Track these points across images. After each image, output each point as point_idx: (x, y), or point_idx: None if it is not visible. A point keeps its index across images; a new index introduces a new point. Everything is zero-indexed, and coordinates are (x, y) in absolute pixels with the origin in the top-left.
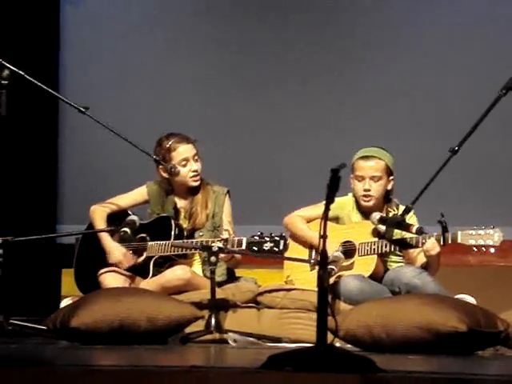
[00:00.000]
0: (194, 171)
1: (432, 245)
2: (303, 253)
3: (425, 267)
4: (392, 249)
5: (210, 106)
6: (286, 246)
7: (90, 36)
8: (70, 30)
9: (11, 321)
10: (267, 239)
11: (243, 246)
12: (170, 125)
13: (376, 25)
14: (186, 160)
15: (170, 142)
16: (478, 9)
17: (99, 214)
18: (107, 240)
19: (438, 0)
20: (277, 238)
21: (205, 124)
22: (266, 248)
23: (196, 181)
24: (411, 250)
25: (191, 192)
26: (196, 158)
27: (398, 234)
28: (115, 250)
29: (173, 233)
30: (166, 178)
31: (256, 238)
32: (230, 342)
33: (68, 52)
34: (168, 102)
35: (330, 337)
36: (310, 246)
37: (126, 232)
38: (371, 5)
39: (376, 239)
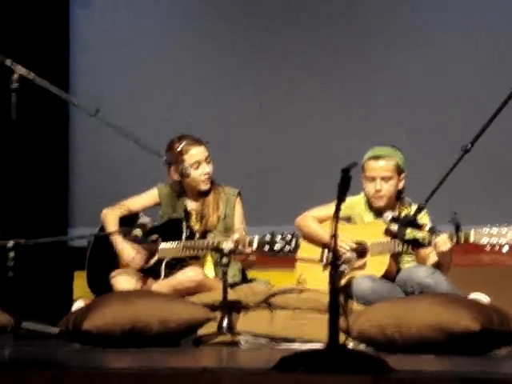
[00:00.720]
0: (206, 174)
1: (443, 240)
2: (316, 253)
3: (436, 266)
4: (404, 248)
5: (221, 107)
6: (297, 246)
7: (100, 38)
8: (79, 32)
9: (23, 324)
10: (278, 239)
11: (254, 246)
12: (182, 126)
13: (390, 28)
14: (198, 163)
15: (181, 145)
16: (483, 7)
17: (111, 217)
18: (119, 241)
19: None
20: (288, 238)
21: (216, 125)
22: (278, 248)
23: (207, 184)
24: (423, 250)
25: (202, 194)
26: (208, 160)
27: (410, 233)
28: (127, 250)
29: (184, 235)
30: (178, 180)
31: (267, 237)
32: (242, 343)
33: (78, 54)
34: (179, 103)
35: (342, 337)
36: (323, 246)
37: (137, 234)
38: (377, 5)
39: (388, 239)
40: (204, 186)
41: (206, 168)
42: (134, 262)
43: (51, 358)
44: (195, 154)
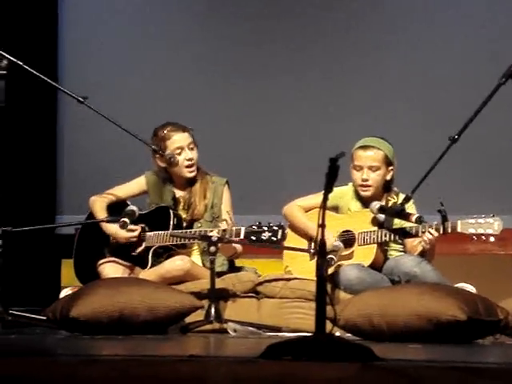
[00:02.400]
0: (188, 160)
1: (431, 239)
2: (303, 242)
3: (422, 255)
4: (391, 238)
5: (210, 97)
6: (284, 236)
7: (89, 27)
8: (68, 22)
9: (11, 311)
10: (265, 229)
11: (241, 236)
12: (170, 115)
13: (376, 17)
14: (180, 148)
15: (165, 131)
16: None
17: (99, 205)
18: (109, 226)
19: None
20: (275, 228)
21: (205, 114)
22: (265, 237)
23: (191, 171)
24: (411, 239)
25: (190, 183)
26: (191, 146)
27: (397, 223)
28: (119, 230)
29: (171, 223)
30: (163, 167)
31: (254, 227)
32: (229, 331)
33: (67, 43)
34: (167, 92)
35: (329, 326)
36: (309, 238)
37: (125, 222)
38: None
39: (376, 228)
40: (188, 174)
41: (189, 154)
42: (132, 237)
43: (38, 346)
44: (177, 139)
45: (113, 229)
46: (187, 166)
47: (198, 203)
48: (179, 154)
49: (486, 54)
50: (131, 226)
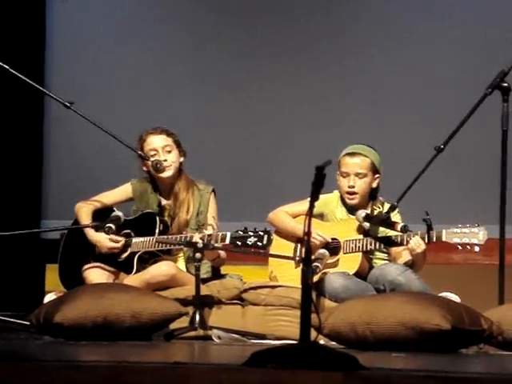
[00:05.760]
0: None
1: (416, 243)
2: (288, 249)
3: (410, 265)
4: (377, 246)
5: (197, 103)
6: (269, 241)
7: (77, 30)
8: (56, 24)
9: None
10: (251, 234)
11: (227, 241)
12: (158, 121)
13: (368, 24)
14: (155, 150)
15: (143, 134)
16: (468, 10)
17: (85, 212)
18: (93, 233)
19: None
20: (261, 233)
21: (192, 120)
22: (250, 243)
23: (167, 170)
24: (396, 248)
25: (174, 190)
26: (168, 149)
27: (382, 231)
28: (103, 240)
29: (157, 229)
30: (148, 173)
31: (240, 232)
32: (214, 338)
33: (54, 47)
34: (155, 98)
35: (314, 334)
36: (297, 240)
37: (110, 228)
38: (363, 3)
39: (361, 237)
40: (162, 174)
41: (162, 156)
42: (115, 248)
43: (21, 351)
44: (152, 141)
45: (96, 237)
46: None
47: (181, 217)
48: (153, 155)
49: (474, 64)
50: (114, 237)
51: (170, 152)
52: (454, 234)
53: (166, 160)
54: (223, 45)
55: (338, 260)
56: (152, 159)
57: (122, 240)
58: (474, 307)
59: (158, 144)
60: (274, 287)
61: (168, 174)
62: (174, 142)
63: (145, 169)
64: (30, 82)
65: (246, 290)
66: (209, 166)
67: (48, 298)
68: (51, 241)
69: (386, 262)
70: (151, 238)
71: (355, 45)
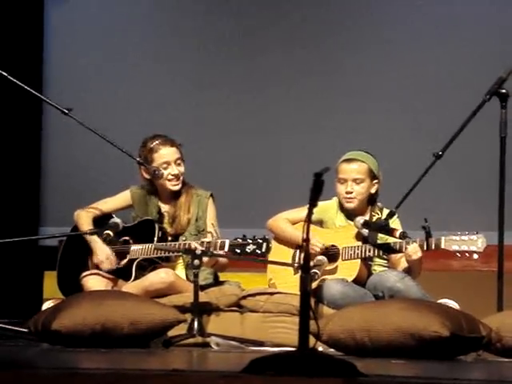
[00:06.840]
0: (173, 175)
1: (413, 249)
2: (287, 256)
3: (407, 271)
4: (375, 253)
5: (195, 108)
6: (268, 249)
7: (75, 36)
8: (54, 30)
9: None
10: (250, 241)
11: (226, 249)
12: (156, 127)
13: (367, 31)
14: (167, 163)
15: (153, 144)
16: (468, 16)
17: (84, 219)
18: (95, 241)
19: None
20: (260, 241)
21: (191, 126)
22: (249, 250)
23: (174, 185)
24: (394, 255)
25: (174, 196)
26: (178, 162)
27: (381, 238)
28: (100, 252)
29: (156, 237)
30: (148, 179)
31: (239, 240)
32: (212, 345)
33: (52, 53)
34: (154, 103)
35: (312, 341)
36: (296, 247)
37: (108, 234)
38: (360, 5)
39: (360, 243)
40: (171, 187)
41: (175, 170)
42: (107, 262)
43: (20, 358)
44: (165, 154)
45: (95, 246)
46: (170, 180)
47: (182, 217)
48: (165, 168)
49: (473, 70)
50: (114, 260)
51: (180, 165)
52: (452, 242)
53: (176, 175)
54: (225, 51)
55: (336, 267)
56: (154, 167)
57: (120, 265)
58: (473, 314)
59: (171, 158)
60: (272, 294)
61: (177, 187)
62: (181, 153)
63: (144, 174)
64: (29, 88)
65: (244, 297)
66: (208, 172)
67: (46, 305)
68: (49, 248)
69: (385, 268)
70: (150, 245)
71: (355, 52)
